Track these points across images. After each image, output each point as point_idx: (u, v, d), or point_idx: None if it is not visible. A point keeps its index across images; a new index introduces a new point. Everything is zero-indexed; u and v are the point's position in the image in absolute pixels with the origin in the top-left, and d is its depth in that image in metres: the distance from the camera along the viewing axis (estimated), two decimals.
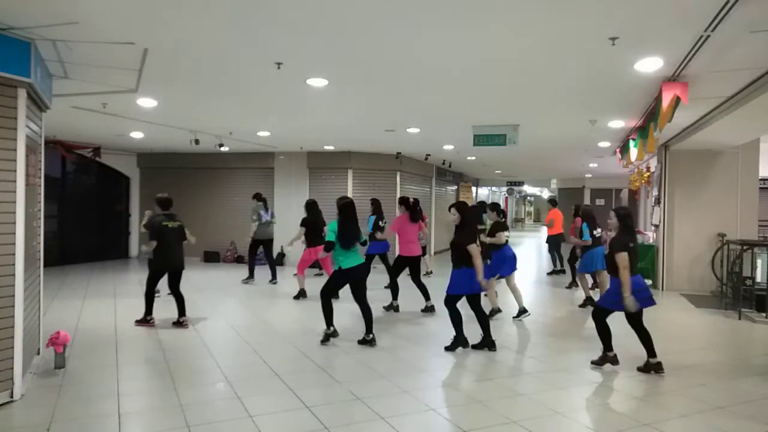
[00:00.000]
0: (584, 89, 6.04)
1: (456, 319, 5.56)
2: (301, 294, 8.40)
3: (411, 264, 7.54)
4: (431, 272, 11.16)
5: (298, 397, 4.23)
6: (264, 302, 8.32)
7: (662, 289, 9.98)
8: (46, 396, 4.22)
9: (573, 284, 9.98)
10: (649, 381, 4.81)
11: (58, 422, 3.74)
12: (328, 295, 5.86)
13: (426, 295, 7.52)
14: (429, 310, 7.44)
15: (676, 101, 5.28)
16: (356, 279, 5.79)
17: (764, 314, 7.54)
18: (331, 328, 5.90)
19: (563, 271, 11.89)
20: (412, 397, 4.31)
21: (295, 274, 8.79)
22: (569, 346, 5.90)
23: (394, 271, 7.74)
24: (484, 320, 5.64)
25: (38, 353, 5.10)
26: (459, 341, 5.59)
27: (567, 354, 5.61)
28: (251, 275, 10.17)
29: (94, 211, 13.23)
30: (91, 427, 3.72)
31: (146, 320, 6.52)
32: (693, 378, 4.91)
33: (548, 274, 12.18)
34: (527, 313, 7.14)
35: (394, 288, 7.67)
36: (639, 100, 6.43)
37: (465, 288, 5.48)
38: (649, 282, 10.52)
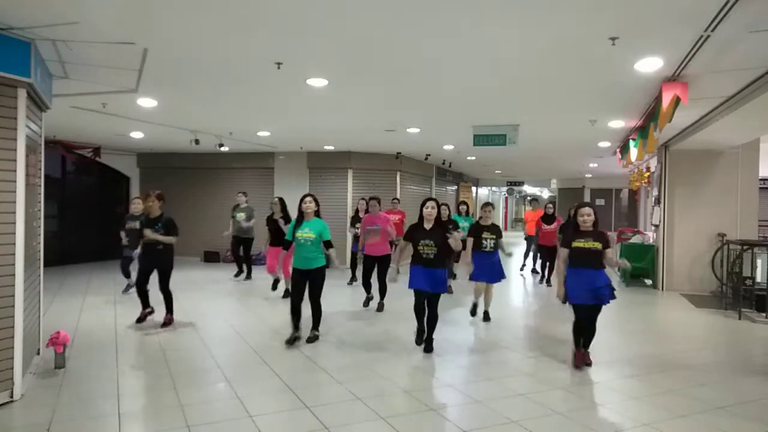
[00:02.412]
0: (584, 89, 6.03)
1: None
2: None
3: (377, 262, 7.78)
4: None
5: (298, 397, 4.23)
6: (263, 302, 8.31)
7: (662, 289, 9.98)
8: (46, 396, 4.22)
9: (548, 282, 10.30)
10: (649, 381, 4.81)
11: (58, 422, 3.74)
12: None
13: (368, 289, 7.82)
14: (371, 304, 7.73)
15: (676, 101, 5.28)
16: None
17: (764, 314, 7.54)
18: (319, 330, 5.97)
19: (536, 272, 12.01)
20: (412, 397, 4.32)
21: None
22: (568, 345, 5.88)
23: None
24: (435, 322, 5.58)
25: (38, 353, 5.10)
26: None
27: (566, 354, 5.59)
28: (250, 272, 10.36)
29: (94, 211, 13.23)
30: (91, 427, 3.72)
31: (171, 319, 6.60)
32: (693, 378, 4.91)
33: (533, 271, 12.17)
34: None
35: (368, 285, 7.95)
36: (639, 100, 6.43)
37: (439, 286, 5.40)
38: (649, 282, 10.57)
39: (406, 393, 4.39)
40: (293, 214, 8.27)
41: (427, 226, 5.42)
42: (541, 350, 5.80)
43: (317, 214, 5.83)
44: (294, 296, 5.76)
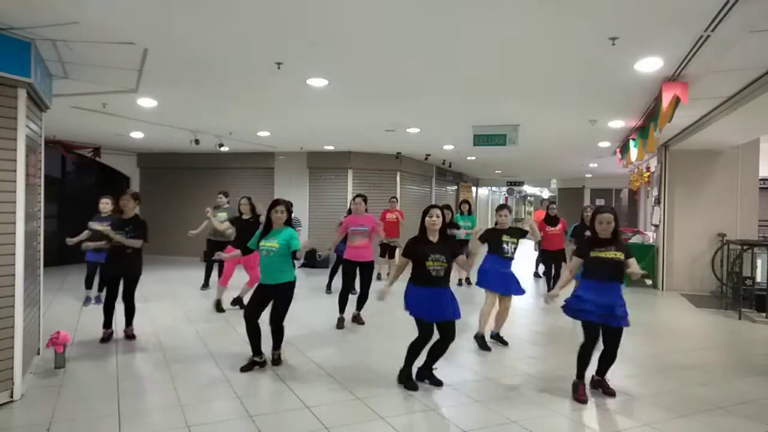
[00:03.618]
0: (584, 89, 6.03)
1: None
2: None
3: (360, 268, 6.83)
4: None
5: (298, 397, 4.23)
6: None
7: (662, 289, 9.99)
8: (46, 396, 4.21)
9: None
10: (649, 381, 4.81)
11: (58, 422, 3.74)
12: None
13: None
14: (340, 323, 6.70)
15: (676, 101, 5.28)
16: None
17: (764, 314, 7.54)
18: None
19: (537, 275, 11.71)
20: (412, 397, 4.31)
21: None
22: (568, 346, 5.89)
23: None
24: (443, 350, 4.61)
25: (38, 353, 5.10)
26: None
27: (566, 355, 5.59)
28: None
29: (94, 212, 13.18)
30: (91, 427, 3.72)
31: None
32: (693, 378, 4.91)
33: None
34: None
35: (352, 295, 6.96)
36: (639, 100, 6.43)
37: (454, 311, 4.46)
38: (649, 282, 10.55)
39: (406, 393, 4.38)
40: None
41: (433, 238, 4.50)
42: (541, 351, 5.80)
43: (288, 222, 5.05)
44: (248, 310, 4.98)
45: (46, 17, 3.85)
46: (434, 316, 4.45)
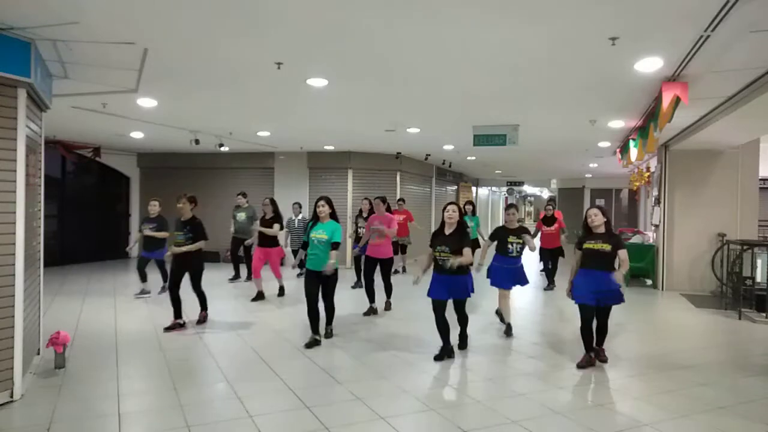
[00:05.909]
0: (584, 89, 6.03)
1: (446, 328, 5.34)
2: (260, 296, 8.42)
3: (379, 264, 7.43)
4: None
5: (298, 397, 4.23)
6: (262, 303, 8.30)
7: (662, 289, 9.98)
8: (46, 396, 4.22)
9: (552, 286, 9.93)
10: (649, 381, 4.81)
11: (58, 422, 3.74)
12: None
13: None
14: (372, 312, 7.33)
15: (676, 101, 5.28)
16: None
17: (764, 314, 7.53)
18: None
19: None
20: (412, 397, 4.31)
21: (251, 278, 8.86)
22: (569, 346, 5.89)
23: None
24: (466, 321, 5.59)
25: (38, 353, 5.10)
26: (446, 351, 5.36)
27: (567, 354, 5.60)
28: (250, 273, 10.23)
29: (94, 211, 13.22)
30: (91, 427, 3.72)
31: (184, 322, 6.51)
32: (693, 378, 4.90)
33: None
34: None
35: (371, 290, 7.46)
36: (639, 100, 6.43)
37: (460, 293, 5.25)
38: (649, 282, 10.57)
39: (406, 393, 4.39)
40: (286, 215, 8.54)
41: (447, 231, 5.24)
42: (541, 351, 5.80)
43: (332, 216, 5.86)
44: (308, 297, 5.73)
45: (46, 17, 3.85)
46: (439, 295, 5.22)
